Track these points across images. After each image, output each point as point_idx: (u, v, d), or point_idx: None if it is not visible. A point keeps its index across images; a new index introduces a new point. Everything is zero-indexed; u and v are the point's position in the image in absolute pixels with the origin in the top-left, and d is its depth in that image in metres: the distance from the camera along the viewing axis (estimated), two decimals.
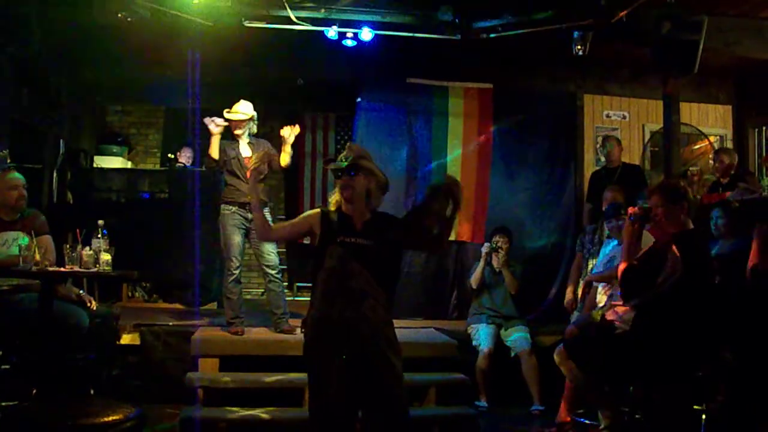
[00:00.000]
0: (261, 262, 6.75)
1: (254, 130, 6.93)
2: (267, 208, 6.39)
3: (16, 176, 5.56)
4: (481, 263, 7.21)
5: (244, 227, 6.66)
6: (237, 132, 6.77)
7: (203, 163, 7.12)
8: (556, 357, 5.35)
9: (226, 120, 6.68)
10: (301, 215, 4.38)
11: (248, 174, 6.07)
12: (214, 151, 6.64)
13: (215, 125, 6.57)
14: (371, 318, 3.96)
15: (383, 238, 4.08)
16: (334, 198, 4.24)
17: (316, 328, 4.11)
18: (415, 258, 8.43)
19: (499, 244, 7.18)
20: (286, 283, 11.00)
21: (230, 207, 6.66)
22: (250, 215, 6.49)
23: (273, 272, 6.74)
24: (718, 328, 4.64)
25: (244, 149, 6.78)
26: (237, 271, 6.67)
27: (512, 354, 6.88)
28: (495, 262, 7.23)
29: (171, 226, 8.62)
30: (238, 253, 6.66)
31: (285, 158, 6.63)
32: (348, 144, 4.55)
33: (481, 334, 6.97)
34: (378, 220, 4.18)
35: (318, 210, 4.26)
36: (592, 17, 7.12)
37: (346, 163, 4.14)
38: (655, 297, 4.53)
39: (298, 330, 5.61)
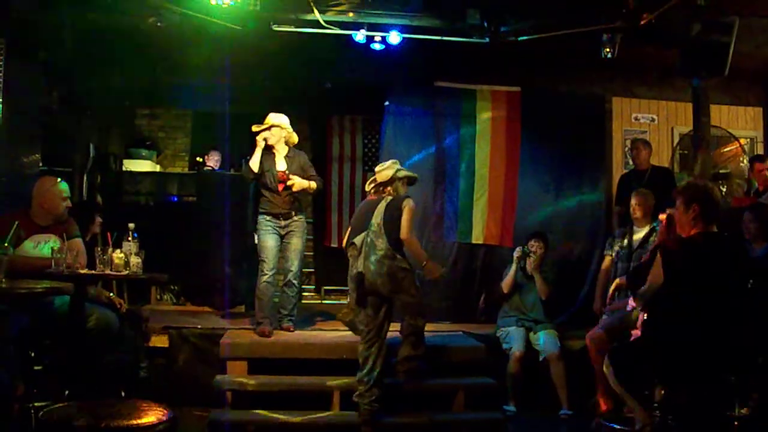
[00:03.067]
0: (284, 266, 6.97)
1: (294, 139, 7.06)
2: (302, 215, 7.01)
3: (65, 186, 5.68)
4: (513, 267, 7.16)
5: (277, 232, 6.87)
6: (271, 143, 6.89)
7: (241, 171, 7.19)
8: (605, 363, 5.25)
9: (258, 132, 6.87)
10: None
11: (280, 188, 6.68)
12: (255, 164, 6.81)
13: (263, 139, 6.78)
14: None
15: None
16: None
17: None
18: (442, 262, 8.41)
19: (533, 249, 7.13)
20: (313, 286, 11.10)
21: (265, 216, 6.88)
22: (283, 223, 6.85)
23: (291, 276, 6.96)
24: (748, 333, 4.59)
25: (280, 163, 6.92)
26: (270, 272, 6.82)
27: (541, 357, 6.83)
28: (528, 266, 7.19)
29: (199, 229, 8.67)
30: (272, 256, 6.84)
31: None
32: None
33: (512, 337, 6.93)
34: None
35: None
36: (621, 20, 7.07)
37: None
38: (651, 301, 4.53)
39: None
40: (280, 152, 6.93)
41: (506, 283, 7.17)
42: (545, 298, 7.07)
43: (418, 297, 5.97)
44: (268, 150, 6.89)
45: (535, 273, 7.07)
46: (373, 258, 5.72)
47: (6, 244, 4.12)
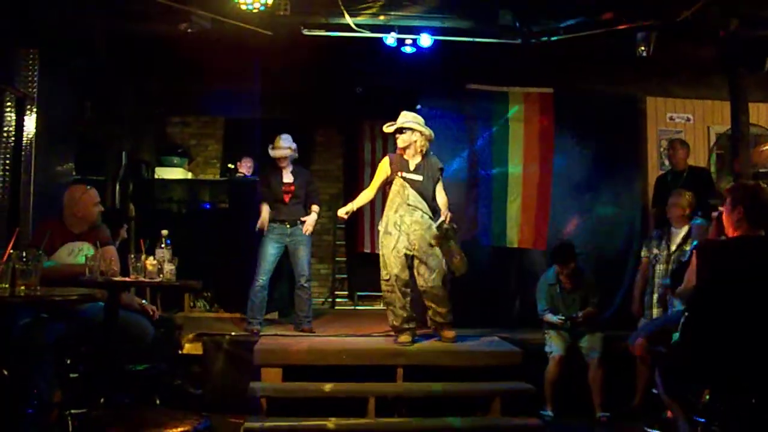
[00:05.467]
0: (295, 270, 7.52)
1: (295, 156, 7.64)
2: (317, 207, 7.63)
3: (96, 193, 5.73)
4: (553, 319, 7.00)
5: (281, 242, 7.44)
6: (281, 164, 7.54)
7: (264, 183, 7.67)
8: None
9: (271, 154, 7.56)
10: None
11: (286, 198, 7.45)
12: (264, 215, 7.46)
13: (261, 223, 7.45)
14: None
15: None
16: None
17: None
18: (476, 267, 8.34)
19: (560, 276, 7.04)
20: (346, 292, 11.09)
21: (272, 224, 7.44)
22: (289, 230, 7.45)
23: (303, 281, 7.45)
24: None
25: (287, 177, 7.57)
26: (263, 277, 7.37)
27: (586, 360, 6.73)
28: (566, 284, 7.06)
29: (231, 235, 8.67)
30: (268, 263, 7.39)
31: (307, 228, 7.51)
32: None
33: (553, 340, 6.83)
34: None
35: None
36: (657, 17, 6.94)
37: None
38: (689, 302, 4.43)
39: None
40: (287, 169, 7.56)
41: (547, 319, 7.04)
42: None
43: None
44: (275, 164, 7.56)
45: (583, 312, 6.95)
46: None
47: (40, 252, 4.10)
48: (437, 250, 6.74)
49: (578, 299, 6.99)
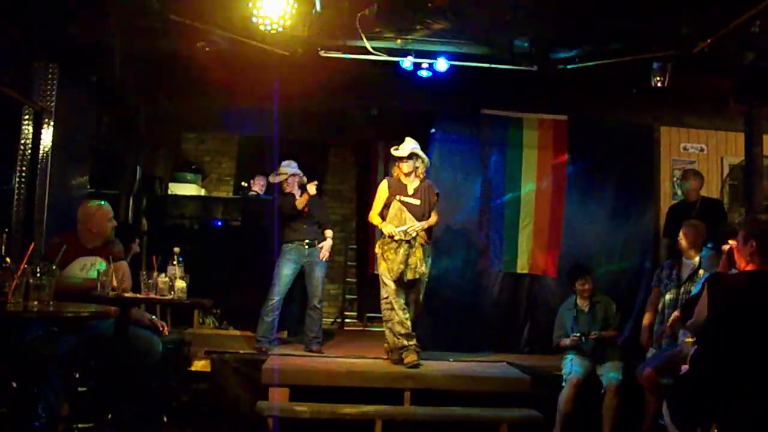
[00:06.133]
0: (309, 290, 7.56)
1: (304, 180, 7.66)
2: (330, 232, 7.72)
3: (110, 209, 5.76)
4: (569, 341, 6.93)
5: (298, 262, 7.49)
6: (285, 189, 7.65)
7: (281, 203, 7.64)
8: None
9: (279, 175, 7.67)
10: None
11: (302, 220, 7.53)
12: (302, 203, 7.46)
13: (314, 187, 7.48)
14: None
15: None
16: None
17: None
18: (486, 292, 8.35)
19: (577, 300, 7.02)
20: (356, 313, 11.07)
21: (289, 245, 7.50)
22: (307, 252, 7.50)
23: (315, 301, 7.51)
24: None
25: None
26: (277, 297, 7.39)
27: (603, 390, 6.55)
28: (580, 301, 7.03)
29: (243, 253, 8.69)
30: (283, 283, 7.42)
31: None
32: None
33: (573, 363, 6.69)
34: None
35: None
36: (673, 48, 6.97)
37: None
38: (700, 334, 4.41)
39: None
40: (296, 192, 7.61)
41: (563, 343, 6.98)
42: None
43: None
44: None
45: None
46: None
47: (54, 267, 4.12)
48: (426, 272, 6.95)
49: (597, 321, 6.92)
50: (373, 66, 7.55)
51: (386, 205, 7.01)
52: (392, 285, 6.77)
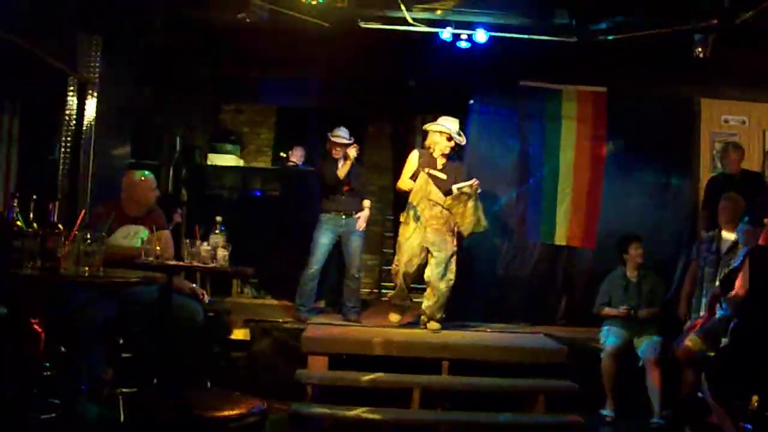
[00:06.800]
0: (346, 260, 7.62)
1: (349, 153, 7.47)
2: (368, 202, 7.75)
3: (154, 179, 5.86)
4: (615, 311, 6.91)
5: (335, 232, 7.52)
6: (336, 155, 7.55)
7: (323, 172, 7.62)
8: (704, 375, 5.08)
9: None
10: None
11: (345, 189, 7.52)
12: (343, 173, 7.42)
13: (355, 151, 7.37)
14: None
15: None
16: None
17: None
18: (523, 263, 8.35)
19: (627, 273, 7.02)
20: (392, 283, 11.10)
21: (326, 215, 7.53)
22: (344, 221, 7.50)
23: (354, 271, 7.59)
24: None
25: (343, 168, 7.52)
26: (315, 266, 7.44)
27: (640, 363, 6.57)
28: (629, 272, 7.02)
29: (281, 223, 8.76)
30: (321, 252, 7.46)
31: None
32: None
33: (609, 332, 6.71)
34: None
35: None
36: (716, 19, 6.87)
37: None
38: (740, 307, 4.39)
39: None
40: (341, 160, 7.48)
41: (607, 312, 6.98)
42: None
43: None
44: (332, 156, 7.56)
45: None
46: None
47: (103, 234, 4.21)
48: (449, 246, 7.04)
49: (644, 295, 6.91)
50: (413, 37, 7.53)
51: (413, 176, 7.12)
52: (405, 255, 7.07)
